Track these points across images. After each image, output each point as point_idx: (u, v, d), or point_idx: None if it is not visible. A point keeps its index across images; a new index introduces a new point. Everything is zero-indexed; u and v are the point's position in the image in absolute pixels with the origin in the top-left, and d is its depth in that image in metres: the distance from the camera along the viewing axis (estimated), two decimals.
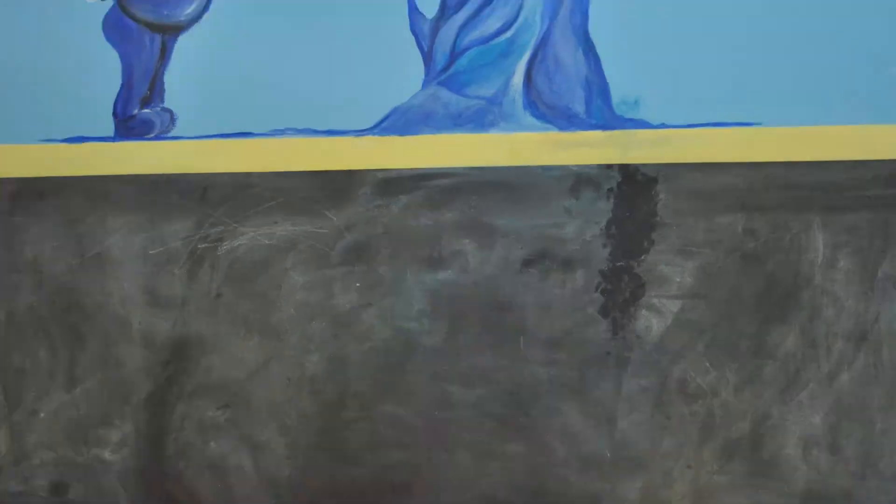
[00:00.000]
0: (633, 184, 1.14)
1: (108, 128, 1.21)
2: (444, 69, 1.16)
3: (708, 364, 1.13)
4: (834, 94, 1.12)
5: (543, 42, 1.14)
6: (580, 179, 1.15)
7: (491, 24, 1.15)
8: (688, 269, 1.13)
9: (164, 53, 1.19)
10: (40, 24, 1.21)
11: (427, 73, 1.16)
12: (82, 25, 1.20)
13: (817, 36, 1.13)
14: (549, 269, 1.15)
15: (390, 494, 1.16)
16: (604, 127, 1.14)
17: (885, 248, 1.11)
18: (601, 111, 1.14)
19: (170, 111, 1.20)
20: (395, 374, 1.16)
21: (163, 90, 1.20)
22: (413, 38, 1.16)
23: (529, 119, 1.15)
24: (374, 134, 1.17)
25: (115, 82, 1.20)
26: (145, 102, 1.20)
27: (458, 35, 1.16)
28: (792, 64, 1.12)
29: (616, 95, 1.14)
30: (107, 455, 1.20)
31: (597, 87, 1.14)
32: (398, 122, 1.17)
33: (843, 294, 1.11)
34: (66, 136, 1.21)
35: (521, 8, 1.14)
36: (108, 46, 1.20)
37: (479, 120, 1.16)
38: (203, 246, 1.20)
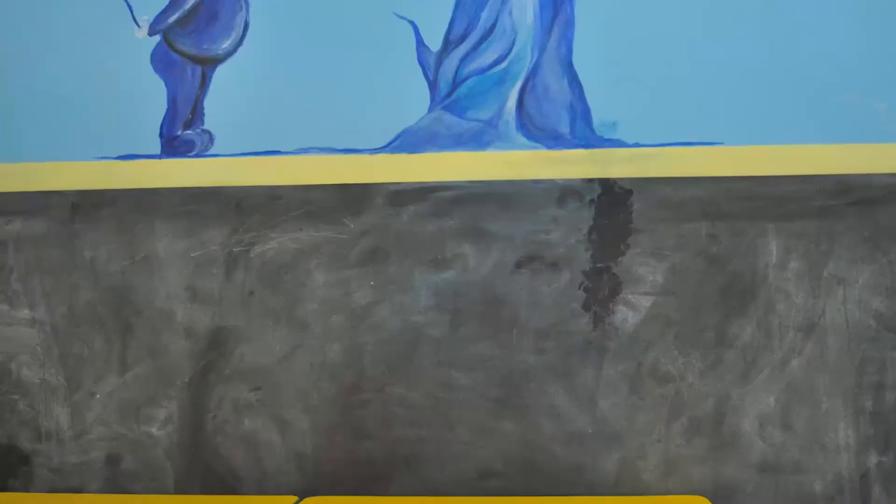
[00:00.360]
0: (611, 195, 1.23)
1: (155, 147, 1.30)
2: (446, 96, 1.26)
3: (676, 352, 1.22)
4: (786, 117, 1.22)
5: (533, 72, 1.24)
6: (565, 191, 1.24)
7: (488, 56, 1.24)
8: (659, 270, 1.22)
9: (204, 82, 1.29)
10: (96, 56, 1.31)
11: (432, 100, 1.26)
12: (133, 58, 1.30)
13: (772, 67, 1.22)
14: (539, 269, 1.24)
15: (400, 465, 1.24)
16: (586, 146, 1.24)
17: (830, 251, 1.20)
18: (584, 132, 1.24)
19: (209, 132, 1.30)
20: (404, 360, 1.25)
21: (203, 114, 1.29)
22: (420, 68, 1.26)
23: (521, 139, 1.24)
24: (386, 152, 1.26)
25: (161, 107, 1.30)
26: (187, 125, 1.30)
27: (458, 66, 1.25)
28: (750, 91, 1.22)
29: (596, 118, 1.24)
30: (154, 431, 1.29)
31: (580, 111, 1.24)
32: (407, 142, 1.26)
33: (794, 291, 1.20)
34: (119, 154, 1.31)
35: (513, 42, 1.24)
36: (156, 76, 1.30)
37: (477, 140, 1.25)
38: (237, 249, 1.29)
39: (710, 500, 1.17)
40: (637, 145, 1.23)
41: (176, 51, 1.30)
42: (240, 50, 1.29)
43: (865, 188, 1.20)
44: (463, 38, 1.25)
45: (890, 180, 1.20)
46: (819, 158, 1.21)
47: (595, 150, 1.24)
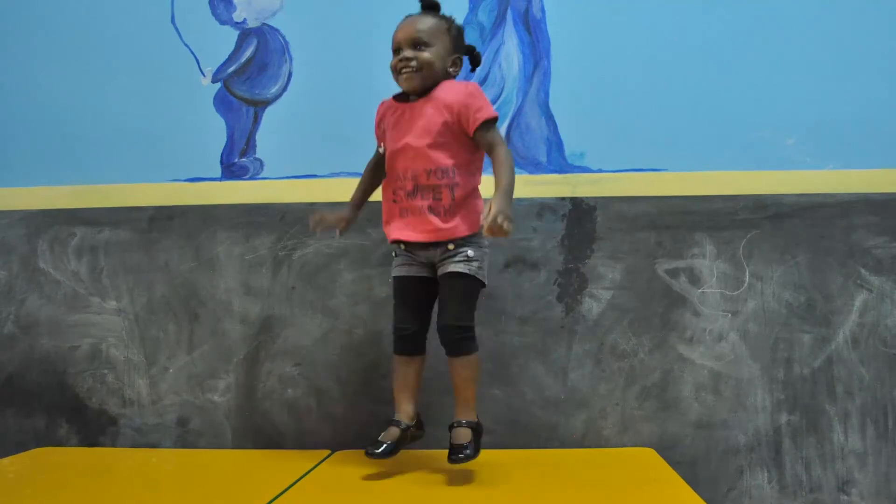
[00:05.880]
0: (579, 210, 1.43)
1: (216, 171, 1.51)
2: None
3: (630, 334, 1.41)
4: (716, 150, 1.42)
5: (518, 113, 1.46)
6: (543, 207, 1.44)
7: None
8: (617, 269, 1.42)
9: (256, 120, 1.51)
10: (169, 99, 1.52)
11: None
12: (199, 101, 1.52)
13: (705, 110, 1.42)
14: (522, 269, 1.43)
15: None
16: (560, 171, 1.45)
17: (751, 254, 1.41)
18: (557, 161, 1.45)
19: (260, 160, 1.51)
20: None
21: (255, 145, 1.51)
22: None
23: None
24: None
25: (221, 140, 1.52)
26: (242, 154, 1.51)
27: None
28: (688, 129, 1.42)
29: (568, 150, 1.45)
30: (216, 398, 1.47)
31: (555, 144, 1.45)
32: None
33: (723, 285, 1.40)
34: (187, 177, 1.52)
35: (503, 89, 1.47)
36: (217, 115, 1.52)
37: None
38: (282, 253, 1.48)
39: (657, 451, 1.34)
40: (600, 171, 1.44)
41: (234, 95, 1.52)
42: (285, 94, 1.51)
43: (778, 205, 1.41)
44: None
45: (797, 199, 1.41)
46: (742, 182, 1.42)
47: (567, 175, 1.44)
